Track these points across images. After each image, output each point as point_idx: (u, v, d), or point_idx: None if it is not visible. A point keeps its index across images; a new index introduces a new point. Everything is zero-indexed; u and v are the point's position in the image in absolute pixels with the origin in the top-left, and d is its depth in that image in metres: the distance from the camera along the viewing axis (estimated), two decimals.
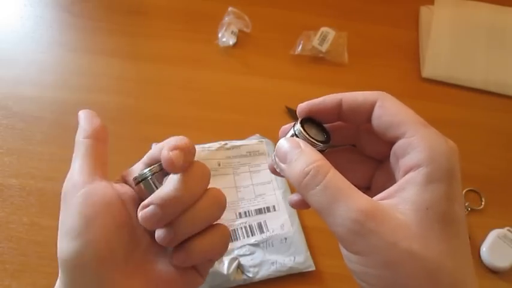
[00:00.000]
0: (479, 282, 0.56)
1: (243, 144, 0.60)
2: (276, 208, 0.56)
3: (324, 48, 0.69)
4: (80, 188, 0.30)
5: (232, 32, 0.69)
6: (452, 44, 0.73)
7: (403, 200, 0.23)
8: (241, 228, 0.54)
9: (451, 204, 0.23)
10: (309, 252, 0.54)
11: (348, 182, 0.24)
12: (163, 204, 0.28)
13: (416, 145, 0.24)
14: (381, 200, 0.24)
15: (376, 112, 0.26)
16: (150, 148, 0.36)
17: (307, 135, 0.28)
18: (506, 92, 0.70)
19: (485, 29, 0.74)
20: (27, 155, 0.58)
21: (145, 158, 0.34)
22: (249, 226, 0.54)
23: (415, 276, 0.22)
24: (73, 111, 0.64)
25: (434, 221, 0.23)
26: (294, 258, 0.52)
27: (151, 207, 0.28)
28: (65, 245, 0.28)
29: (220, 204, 0.31)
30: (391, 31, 0.75)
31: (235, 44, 0.70)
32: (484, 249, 0.56)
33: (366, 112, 0.27)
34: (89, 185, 0.30)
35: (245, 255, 0.52)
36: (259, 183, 0.57)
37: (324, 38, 0.69)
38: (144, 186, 0.31)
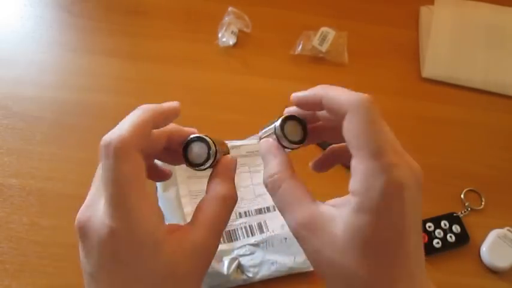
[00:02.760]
0: (479, 282, 0.56)
1: (243, 144, 0.60)
2: (276, 208, 0.56)
3: (324, 48, 0.69)
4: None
5: (232, 32, 0.69)
6: (452, 44, 0.73)
7: (340, 215, 0.26)
8: (241, 228, 0.54)
9: (379, 233, 0.24)
10: None
11: (298, 194, 0.28)
12: None
13: (356, 174, 0.26)
14: (333, 205, 0.27)
15: (344, 125, 0.27)
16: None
17: (281, 134, 0.31)
18: (506, 92, 0.70)
19: (485, 29, 0.74)
20: (27, 155, 0.58)
21: None
22: (249, 226, 0.55)
23: (331, 278, 0.26)
24: (73, 111, 0.64)
25: (358, 244, 0.24)
26: (294, 258, 0.52)
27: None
28: None
29: None
30: (391, 31, 0.75)
31: (235, 44, 0.70)
32: (484, 249, 0.56)
33: (339, 120, 0.27)
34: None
35: (245, 255, 0.52)
36: (259, 183, 0.57)
37: (324, 38, 0.69)
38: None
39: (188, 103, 0.65)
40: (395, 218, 0.25)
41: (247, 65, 0.69)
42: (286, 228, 0.54)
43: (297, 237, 0.27)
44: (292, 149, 0.31)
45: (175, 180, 0.56)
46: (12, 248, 0.53)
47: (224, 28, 0.69)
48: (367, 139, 0.26)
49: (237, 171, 0.56)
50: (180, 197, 0.55)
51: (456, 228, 0.57)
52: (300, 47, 0.69)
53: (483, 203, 0.60)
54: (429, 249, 0.56)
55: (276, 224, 0.55)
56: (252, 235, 0.54)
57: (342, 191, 0.63)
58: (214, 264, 0.50)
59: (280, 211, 0.29)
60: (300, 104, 0.32)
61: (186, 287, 0.25)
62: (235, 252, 0.52)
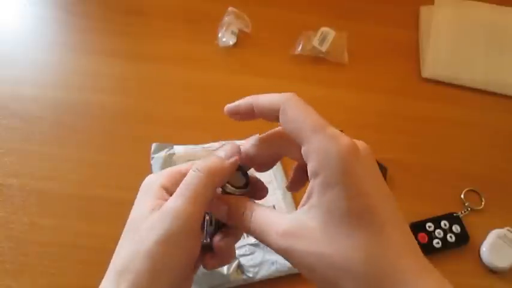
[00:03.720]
0: (480, 282, 0.56)
1: (242, 143, 0.59)
2: (276, 208, 0.56)
3: (324, 48, 0.69)
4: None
5: (232, 32, 0.69)
6: (452, 44, 0.73)
7: (311, 206, 0.26)
8: None
9: (355, 200, 0.25)
10: None
11: (268, 216, 0.29)
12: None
13: (310, 154, 0.26)
14: (301, 205, 0.27)
15: (280, 119, 0.28)
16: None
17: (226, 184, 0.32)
18: (506, 92, 0.70)
19: (485, 29, 0.74)
20: (27, 155, 0.58)
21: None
22: None
23: (324, 276, 0.25)
24: (73, 111, 0.64)
25: (338, 220, 0.25)
26: None
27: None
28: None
29: None
30: (391, 31, 0.75)
31: (235, 44, 0.70)
32: (484, 249, 0.56)
33: (275, 117, 0.29)
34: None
35: (245, 255, 0.52)
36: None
37: (324, 38, 0.69)
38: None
39: (188, 103, 0.65)
40: (360, 179, 0.26)
41: (247, 65, 0.69)
42: None
43: (283, 253, 0.27)
44: (238, 194, 0.32)
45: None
46: (12, 248, 0.53)
47: (224, 28, 0.69)
48: (305, 119, 0.28)
49: None
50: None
51: (456, 228, 0.57)
52: (300, 47, 0.69)
53: (483, 203, 0.60)
54: (429, 249, 0.56)
55: None
56: None
57: None
58: None
59: (260, 240, 0.29)
60: (232, 113, 0.34)
61: (166, 244, 0.29)
62: (236, 253, 0.52)
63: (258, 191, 0.34)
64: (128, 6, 0.73)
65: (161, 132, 0.61)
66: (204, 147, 0.58)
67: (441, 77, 0.70)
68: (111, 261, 0.31)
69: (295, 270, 0.52)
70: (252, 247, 0.53)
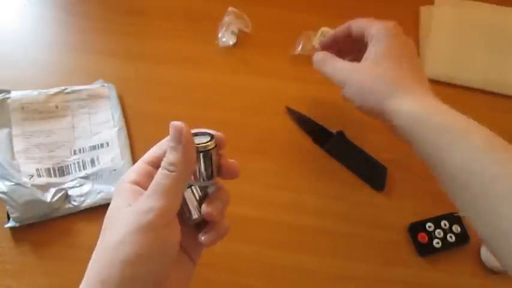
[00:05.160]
0: (479, 282, 0.56)
1: (84, 88, 0.62)
2: (110, 144, 0.59)
3: None
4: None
5: (232, 32, 0.69)
6: (452, 44, 0.73)
7: (366, 58, 0.50)
8: (74, 163, 0.57)
9: (396, 49, 0.49)
10: None
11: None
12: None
13: (368, 32, 0.51)
14: (363, 60, 0.50)
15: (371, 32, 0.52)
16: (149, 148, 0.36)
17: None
18: (506, 92, 0.70)
19: (485, 29, 0.74)
20: None
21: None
22: (82, 161, 0.57)
23: (365, 81, 0.49)
24: None
25: (380, 58, 0.49)
26: None
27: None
28: None
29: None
30: None
31: (235, 44, 0.70)
32: (484, 249, 0.56)
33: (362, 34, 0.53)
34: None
35: (75, 187, 0.55)
36: (96, 123, 0.60)
37: (324, 37, 0.69)
38: (203, 157, 0.34)
39: (188, 103, 0.65)
40: (406, 43, 0.50)
41: (247, 65, 0.69)
42: (116, 161, 0.57)
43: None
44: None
45: (8, 122, 0.58)
46: (12, 248, 0.53)
47: (224, 28, 0.69)
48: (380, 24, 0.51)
49: (76, 113, 0.60)
50: (12, 136, 0.57)
51: (456, 228, 0.57)
52: (300, 47, 0.69)
53: None
54: (429, 249, 0.56)
55: (107, 158, 0.58)
56: (84, 169, 0.57)
57: (341, 191, 0.63)
58: (38, 194, 0.52)
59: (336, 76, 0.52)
60: (334, 38, 0.57)
61: (140, 234, 0.30)
62: (65, 185, 0.55)
63: (230, 170, 0.36)
64: (128, 6, 0.73)
65: (161, 132, 0.61)
66: (41, 92, 0.61)
67: (441, 76, 0.70)
68: (90, 261, 0.32)
69: None
70: (82, 180, 0.56)
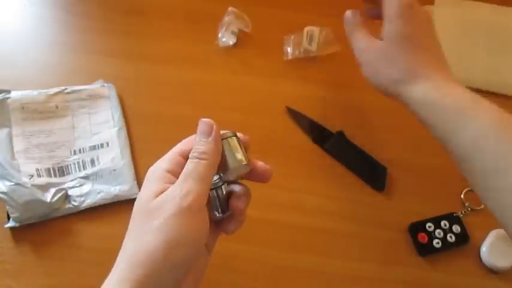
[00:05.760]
0: (479, 282, 0.56)
1: (84, 88, 0.62)
2: (110, 144, 0.59)
3: (314, 47, 0.68)
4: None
5: (232, 32, 0.69)
6: (452, 44, 0.73)
7: (382, 34, 0.49)
8: (74, 163, 0.57)
9: (413, 30, 0.47)
10: (135, 182, 0.57)
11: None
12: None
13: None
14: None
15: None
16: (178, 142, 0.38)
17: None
18: (506, 92, 0.70)
19: (485, 29, 0.74)
20: None
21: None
22: (82, 161, 0.57)
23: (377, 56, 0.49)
24: None
25: (396, 39, 0.47)
26: (120, 187, 0.55)
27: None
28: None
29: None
30: None
31: (235, 44, 0.70)
32: (484, 249, 0.56)
33: None
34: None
35: (75, 187, 0.55)
36: (96, 123, 0.60)
37: (311, 37, 0.69)
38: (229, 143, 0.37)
39: (188, 103, 0.65)
40: (422, 22, 0.47)
41: (247, 65, 0.69)
42: (116, 161, 0.57)
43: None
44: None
45: (8, 122, 0.58)
46: (12, 248, 0.53)
47: (224, 28, 0.69)
48: None
49: (76, 113, 0.60)
50: (12, 136, 0.57)
51: (456, 228, 0.57)
52: (290, 51, 0.68)
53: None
54: (429, 249, 0.56)
55: (107, 158, 0.58)
56: (84, 169, 0.57)
57: (342, 190, 0.63)
58: (38, 194, 0.52)
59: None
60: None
61: (177, 218, 0.31)
62: (65, 185, 0.55)
63: (260, 173, 0.38)
64: (128, 6, 0.73)
65: (161, 132, 0.61)
66: (41, 92, 0.61)
67: None
68: (121, 249, 0.33)
69: (121, 198, 0.55)
70: (82, 180, 0.56)
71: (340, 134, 0.63)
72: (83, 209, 0.54)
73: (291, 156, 0.62)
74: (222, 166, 0.36)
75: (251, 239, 0.56)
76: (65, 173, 0.56)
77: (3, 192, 0.51)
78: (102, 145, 0.59)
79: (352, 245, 0.57)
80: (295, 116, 0.65)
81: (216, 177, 0.37)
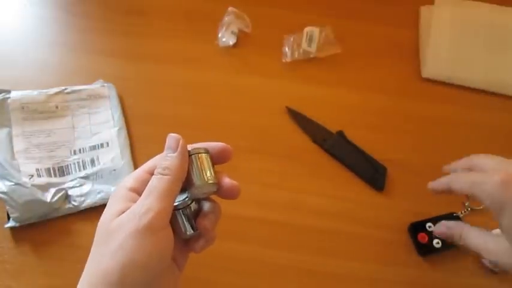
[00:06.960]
0: (479, 282, 0.56)
1: (84, 88, 0.62)
2: (110, 144, 0.59)
3: (313, 48, 0.68)
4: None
5: (232, 32, 0.69)
6: (452, 44, 0.73)
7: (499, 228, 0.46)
8: (74, 163, 0.57)
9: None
10: None
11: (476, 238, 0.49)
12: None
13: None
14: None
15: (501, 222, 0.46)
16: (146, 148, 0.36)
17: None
18: (506, 92, 0.70)
19: (485, 29, 0.74)
20: None
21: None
22: (82, 161, 0.57)
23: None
24: None
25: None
26: None
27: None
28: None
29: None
30: (391, 31, 0.74)
31: (235, 44, 0.70)
32: None
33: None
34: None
35: (75, 187, 0.55)
36: (96, 123, 0.60)
37: (311, 38, 0.69)
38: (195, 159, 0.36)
39: (188, 103, 0.65)
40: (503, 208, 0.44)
41: (247, 65, 0.69)
42: (116, 161, 0.57)
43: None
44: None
45: (8, 122, 0.58)
46: (12, 248, 0.53)
47: (224, 28, 0.69)
48: None
49: (76, 113, 0.60)
50: (12, 136, 0.57)
51: None
52: (289, 53, 0.68)
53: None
54: (429, 249, 0.56)
55: (107, 158, 0.58)
56: (84, 169, 0.57)
57: (342, 190, 0.63)
58: (38, 194, 0.52)
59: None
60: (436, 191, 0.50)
61: (136, 238, 0.31)
62: (65, 185, 0.55)
63: (226, 190, 0.36)
64: (128, 6, 0.73)
65: (161, 132, 0.61)
66: (41, 92, 0.61)
67: (441, 77, 0.70)
68: (84, 268, 0.32)
69: None
70: (82, 180, 0.56)
71: (340, 134, 0.63)
72: (83, 209, 0.54)
73: (291, 156, 0.62)
74: (188, 183, 0.35)
75: (251, 239, 0.56)
76: (65, 173, 0.56)
77: (3, 192, 0.51)
78: (102, 145, 0.59)
79: (352, 245, 0.57)
80: (295, 116, 0.65)
81: (185, 195, 0.36)
